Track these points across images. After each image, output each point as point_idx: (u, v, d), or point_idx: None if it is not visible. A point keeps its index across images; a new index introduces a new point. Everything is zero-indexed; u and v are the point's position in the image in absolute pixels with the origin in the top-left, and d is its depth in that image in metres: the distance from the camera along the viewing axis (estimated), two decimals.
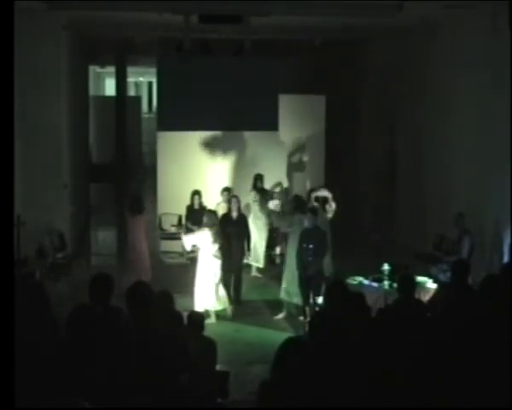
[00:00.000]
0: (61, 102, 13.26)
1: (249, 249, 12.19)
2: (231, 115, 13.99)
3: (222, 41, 14.54)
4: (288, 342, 4.51)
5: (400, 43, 15.50)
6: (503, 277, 6.65)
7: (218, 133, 15.06)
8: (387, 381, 4.65)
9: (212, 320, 10.52)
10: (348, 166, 17.77)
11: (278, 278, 11.31)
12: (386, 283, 9.81)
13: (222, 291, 10.92)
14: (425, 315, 6.92)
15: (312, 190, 13.13)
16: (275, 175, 14.74)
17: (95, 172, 19.73)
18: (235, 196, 12.03)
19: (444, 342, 5.38)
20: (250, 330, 10.61)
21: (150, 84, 32.73)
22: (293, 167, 15.97)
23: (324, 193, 12.52)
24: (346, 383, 4.66)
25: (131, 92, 31.11)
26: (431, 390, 4.71)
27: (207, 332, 7.07)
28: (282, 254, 12.41)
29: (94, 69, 23.84)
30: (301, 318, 10.47)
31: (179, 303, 8.03)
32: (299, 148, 16.10)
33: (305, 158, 16.06)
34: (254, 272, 13.41)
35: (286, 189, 14.62)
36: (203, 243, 10.66)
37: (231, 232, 11.42)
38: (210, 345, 6.85)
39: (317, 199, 12.23)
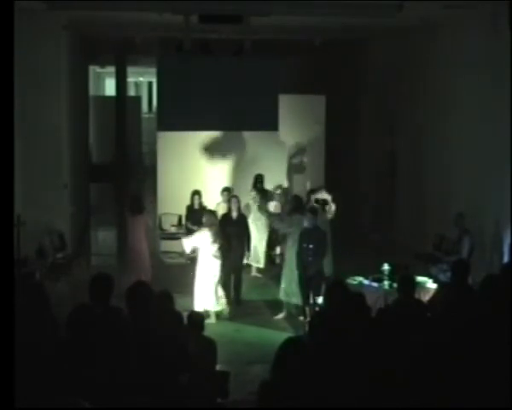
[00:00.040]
0: (61, 102, 13.26)
1: (249, 249, 12.18)
2: (231, 115, 13.98)
3: (222, 41, 14.54)
4: (288, 342, 4.52)
5: (400, 43, 15.50)
6: (503, 277, 6.66)
7: (218, 133, 15.06)
8: (387, 381, 4.65)
9: (212, 320, 10.52)
10: (348, 167, 17.78)
11: (278, 278, 11.30)
12: (386, 283, 9.80)
13: (220, 292, 10.93)
14: (425, 315, 6.92)
15: (312, 191, 13.13)
16: (275, 175, 14.74)
17: (95, 172, 19.73)
18: (235, 196, 12.03)
19: (444, 342, 5.38)
20: (250, 330, 10.61)
21: (150, 84, 32.72)
22: (294, 169, 15.97)
23: (324, 195, 12.52)
24: (346, 383, 4.66)
25: (131, 92, 31.10)
26: (431, 390, 4.71)
27: (207, 332, 7.07)
28: (282, 254, 12.40)
29: (94, 69, 23.83)
30: (301, 318, 10.47)
31: (179, 303, 8.03)
32: (300, 150, 16.11)
33: (306, 160, 16.07)
34: (254, 272, 13.42)
35: (286, 189, 14.61)
36: (202, 244, 10.66)
37: (231, 232, 11.42)
38: (210, 345, 6.85)
39: (316, 201, 12.23)
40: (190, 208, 13.14)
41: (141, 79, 33.00)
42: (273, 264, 13.54)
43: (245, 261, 12.39)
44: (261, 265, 13.40)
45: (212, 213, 11.51)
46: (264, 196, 13.48)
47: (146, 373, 5.14)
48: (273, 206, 13.45)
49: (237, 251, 11.58)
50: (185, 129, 14.30)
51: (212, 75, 13.81)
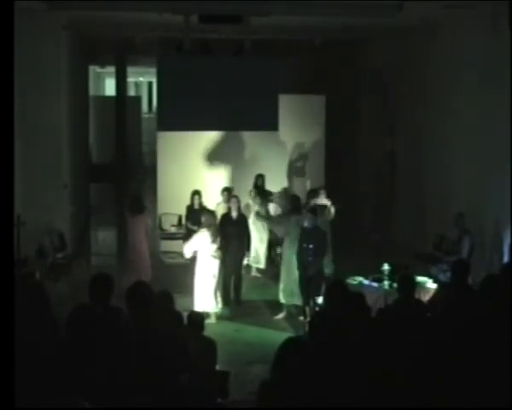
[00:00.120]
0: (61, 102, 13.26)
1: (249, 249, 12.18)
2: (231, 115, 13.98)
3: (222, 41, 14.54)
4: (288, 342, 4.51)
5: (400, 43, 15.50)
6: (503, 277, 6.66)
7: (218, 133, 15.08)
8: (387, 381, 4.65)
9: (212, 320, 10.52)
10: (348, 167, 17.78)
11: (278, 279, 11.31)
12: (386, 283, 9.81)
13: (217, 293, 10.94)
14: (425, 315, 6.92)
15: (312, 191, 13.13)
16: (275, 175, 14.75)
17: (95, 172, 19.71)
18: (235, 196, 12.03)
19: (444, 342, 5.38)
20: (250, 330, 10.61)
21: (150, 84, 32.70)
22: (295, 172, 15.97)
23: (323, 201, 12.49)
24: (346, 383, 4.66)
25: (131, 92, 31.08)
26: (431, 390, 4.71)
27: (207, 332, 7.07)
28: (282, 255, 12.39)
29: (94, 69, 23.81)
30: (301, 318, 10.47)
31: (179, 303, 8.02)
32: (302, 156, 16.11)
33: (307, 165, 16.08)
34: (254, 272, 13.43)
35: (286, 189, 14.60)
36: (202, 244, 10.66)
37: (231, 232, 11.42)
38: (210, 345, 6.85)
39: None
40: (190, 208, 13.14)
41: (141, 79, 32.97)
42: (273, 264, 13.54)
43: (245, 262, 12.40)
44: (262, 265, 13.41)
45: (211, 213, 11.52)
46: (264, 196, 13.48)
47: (146, 373, 5.14)
48: (273, 207, 13.45)
49: (237, 251, 11.58)
50: (185, 129, 14.30)
51: (212, 75, 13.80)
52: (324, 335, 5.17)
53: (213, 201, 13.28)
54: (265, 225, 13.04)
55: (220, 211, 12.51)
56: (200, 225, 11.13)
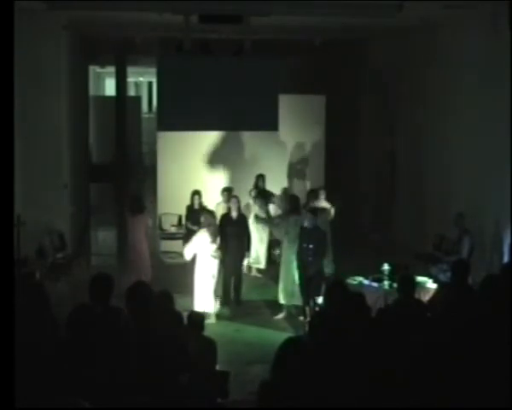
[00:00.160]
0: (61, 102, 13.26)
1: (249, 249, 12.18)
2: (231, 115, 13.98)
3: (222, 41, 14.54)
4: (288, 342, 4.51)
5: (400, 43, 15.50)
6: (503, 277, 6.66)
7: (218, 133, 15.07)
8: (387, 381, 4.65)
9: (212, 320, 10.53)
10: (348, 166, 17.78)
11: (278, 279, 11.32)
12: (386, 283, 9.81)
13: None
14: (425, 315, 6.92)
15: (312, 191, 13.12)
16: (275, 175, 14.75)
17: (95, 172, 19.72)
18: (235, 196, 12.03)
19: (444, 342, 5.38)
20: (250, 330, 10.61)
21: (150, 84, 32.71)
22: (294, 173, 15.96)
23: (323, 203, 12.47)
24: (346, 383, 4.66)
25: (131, 92, 31.09)
26: (431, 390, 4.71)
27: (207, 332, 7.07)
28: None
29: (94, 69, 23.82)
30: (301, 318, 10.48)
31: (179, 303, 8.02)
32: (303, 160, 16.11)
33: (307, 167, 16.09)
34: (254, 272, 13.43)
35: (286, 189, 14.59)
36: (201, 244, 10.66)
37: (231, 232, 11.42)
38: (210, 345, 6.85)
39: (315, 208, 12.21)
40: (190, 208, 13.14)
41: (141, 79, 32.99)
42: (273, 264, 13.53)
43: (245, 263, 12.42)
44: (262, 266, 13.41)
45: (210, 213, 11.53)
46: (265, 196, 13.48)
47: (146, 373, 5.14)
48: (273, 209, 13.44)
49: (237, 251, 11.57)
50: (185, 129, 14.30)
51: (212, 75, 13.80)
52: (324, 335, 5.17)
53: (213, 201, 13.28)
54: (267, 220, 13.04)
55: (220, 211, 12.51)
56: (200, 225, 11.14)
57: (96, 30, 15.48)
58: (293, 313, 10.98)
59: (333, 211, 12.46)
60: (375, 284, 9.95)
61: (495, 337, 5.31)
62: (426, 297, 8.36)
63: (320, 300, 9.22)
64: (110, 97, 22.71)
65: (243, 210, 12.35)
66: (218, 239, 10.90)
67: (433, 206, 13.96)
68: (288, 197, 12.83)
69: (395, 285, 8.07)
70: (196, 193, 13.16)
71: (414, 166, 15.00)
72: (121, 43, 17.88)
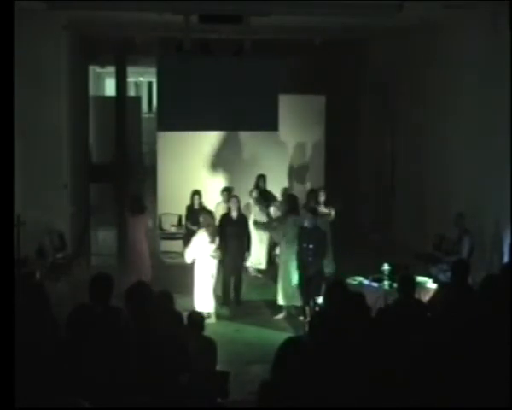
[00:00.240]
0: (61, 102, 13.26)
1: (249, 250, 12.18)
2: (231, 115, 13.98)
3: (222, 41, 14.53)
4: (288, 342, 4.52)
5: (400, 43, 15.50)
6: (503, 277, 6.66)
7: (218, 133, 15.07)
8: (387, 381, 4.65)
9: (212, 320, 10.53)
10: (348, 167, 17.77)
11: (276, 280, 11.34)
12: (386, 283, 9.81)
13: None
14: (425, 315, 6.92)
15: (312, 191, 13.11)
16: (275, 175, 14.74)
17: (95, 172, 19.71)
18: (235, 196, 12.03)
19: (444, 342, 5.38)
20: (250, 330, 10.61)
21: (150, 84, 32.67)
22: (294, 176, 15.96)
23: (323, 210, 12.43)
24: (346, 383, 4.66)
25: (131, 92, 31.05)
26: (431, 390, 4.71)
27: (207, 332, 7.07)
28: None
29: (94, 69, 23.79)
30: (301, 318, 10.48)
31: (179, 303, 8.02)
32: (303, 160, 16.11)
33: (308, 170, 16.10)
34: (254, 272, 13.42)
35: (286, 189, 14.58)
36: (201, 244, 10.67)
37: (231, 232, 11.42)
38: (210, 345, 6.85)
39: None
40: (190, 208, 13.14)
41: (141, 79, 32.94)
42: (273, 264, 13.53)
43: (248, 264, 12.41)
44: (262, 266, 13.41)
45: (209, 213, 11.55)
46: (265, 197, 13.48)
47: (146, 373, 5.14)
48: (273, 210, 13.44)
49: (237, 251, 11.58)
50: (185, 129, 14.30)
51: (212, 75, 13.80)
52: (324, 335, 5.18)
53: (213, 201, 13.28)
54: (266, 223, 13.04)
55: (220, 211, 12.51)
56: (199, 225, 11.14)
57: (96, 30, 15.47)
58: (293, 313, 10.98)
59: (333, 213, 12.45)
60: (375, 284, 9.95)
61: (495, 337, 5.31)
62: (426, 297, 8.35)
63: (320, 300, 9.22)
64: (110, 97, 22.68)
65: (243, 210, 12.35)
66: (217, 239, 10.91)
67: (433, 206, 13.96)
68: (287, 197, 12.83)
69: (395, 285, 8.07)
70: (196, 193, 13.16)
71: (414, 166, 15.00)
72: (121, 43, 17.87)
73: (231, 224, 11.56)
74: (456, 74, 12.93)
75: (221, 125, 14.51)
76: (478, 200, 11.94)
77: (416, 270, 9.78)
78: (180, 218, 14.19)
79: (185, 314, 6.96)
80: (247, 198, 13.41)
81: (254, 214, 13.16)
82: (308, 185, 15.40)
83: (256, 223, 12.79)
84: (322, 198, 12.55)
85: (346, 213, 13.74)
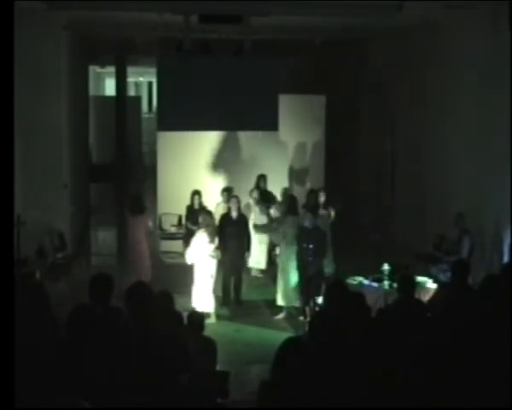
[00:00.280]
0: (61, 102, 13.26)
1: (249, 249, 12.18)
2: (231, 115, 13.96)
3: (222, 41, 14.53)
4: (288, 342, 4.52)
5: (400, 43, 15.50)
6: (503, 277, 6.66)
7: (218, 133, 15.07)
8: (387, 381, 4.65)
9: (212, 320, 10.53)
10: (348, 167, 17.77)
11: (275, 281, 11.34)
12: (386, 283, 9.81)
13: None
14: (425, 315, 6.92)
15: (312, 191, 13.11)
16: (275, 175, 14.73)
17: (95, 172, 19.71)
18: (235, 197, 12.04)
19: (444, 342, 5.38)
20: (250, 330, 10.62)
21: (150, 84, 32.66)
22: (294, 174, 15.95)
23: (323, 213, 12.42)
24: (346, 383, 4.66)
25: (131, 92, 31.05)
26: (431, 390, 4.71)
27: (207, 332, 7.07)
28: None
29: (94, 69, 23.79)
30: (301, 318, 10.48)
31: (179, 303, 8.03)
32: (303, 160, 16.10)
33: (308, 172, 16.12)
34: (254, 272, 13.42)
35: (286, 189, 14.58)
36: (200, 244, 10.67)
37: (231, 232, 11.42)
38: (210, 345, 6.85)
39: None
40: (190, 208, 13.14)
41: (141, 79, 32.94)
42: (274, 264, 13.52)
43: (250, 265, 12.41)
44: (262, 266, 13.40)
45: (208, 213, 11.56)
46: (266, 197, 13.48)
47: (146, 373, 5.14)
48: (273, 211, 13.43)
49: (237, 251, 11.58)
50: (185, 129, 14.29)
51: (212, 75, 13.79)
52: (324, 335, 5.17)
53: (213, 201, 13.28)
54: (265, 224, 13.04)
55: (220, 211, 12.51)
56: (199, 225, 11.14)
57: (96, 30, 15.48)
58: (293, 313, 10.98)
59: (333, 214, 12.45)
60: (375, 284, 9.95)
61: (495, 337, 5.31)
62: (426, 297, 8.35)
63: (320, 300, 9.22)
64: (110, 97, 22.68)
65: (243, 210, 12.35)
66: (217, 239, 10.91)
67: (433, 206, 13.96)
68: (286, 197, 12.83)
69: (395, 285, 8.07)
70: (196, 193, 13.16)
71: (414, 166, 15.00)
72: (121, 43, 17.87)
73: (231, 224, 11.56)
74: (456, 74, 12.93)
75: (221, 125, 14.50)
76: (478, 200, 11.94)
77: (416, 270, 9.78)
78: (180, 218, 14.19)
79: (185, 314, 6.97)
80: (247, 198, 13.41)
81: (255, 215, 13.16)
82: (308, 185, 15.40)
83: (256, 226, 12.81)
84: (322, 199, 12.54)
85: (346, 213, 13.74)
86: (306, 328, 8.81)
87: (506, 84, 10.69)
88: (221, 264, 11.33)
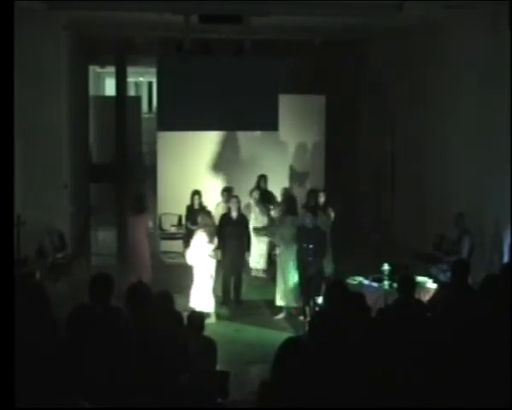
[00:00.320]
0: (61, 102, 13.26)
1: (249, 249, 12.18)
2: (231, 115, 13.97)
3: (222, 41, 14.53)
4: (288, 342, 4.52)
5: (400, 43, 15.50)
6: (503, 277, 6.66)
7: (218, 133, 15.07)
8: (387, 381, 4.65)
9: (212, 320, 10.53)
10: (348, 167, 17.77)
11: (274, 281, 11.34)
12: (386, 283, 9.81)
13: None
14: (425, 315, 6.92)
15: (312, 191, 13.11)
16: (275, 175, 14.73)
17: (95, 172, 19.70)
18: (236, 197, 12.04)
19: (444, 342, 5.38)
20: (250, 330, 10.62)
21: (150, 84, 32.64)
22: (294, 174, 15.95)
23: (322, 218, 12.41)
24: (346, 383, 4.66)
25: (131, 92, 31.03)
26: (431, 390, 4.71)
27: (207, 332, 7.07)
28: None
29: (94, 69, 23.79)
30: (301, 318, 10.48)
31: (179, 303, 8.03)
32: (303, 160, 16.10)
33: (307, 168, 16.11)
34: (254, 272, 13.42)
35: (286, 189, 14.58)
36: (199, 245, 10.67)
37: (231, 232, 11.42)
38: (210, 345, 6.85)
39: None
40: (190, 208, 13.14)
41: (141, 79, 32.92)
42: (273, 264, 13.51)
43: (252, 265, 12.40)
44: (262, 266, 13.40)
45: (207, 213, 11.57)
46: (266, 197, 13.47)
47: (146, 373, 5.14)
48: (274, 212, 13.44)
49: (237, 251, 11.58)
50: (185, 129, 14.29)
51: (212, 75, 13.79)
52: (324, 335, 5.17)
53: (213, 201, 13.28)
54: (265, 224, 13.04)
55: (220, 211, 12.51)
56: (198, 225, 11.15)
57: (96, 30, 15.47)
58: (293, 313, 10.98)
59: (333, 215, 12.44)
60: (375, 284, 9.95)
61: (495, 337, 5.31)
62: (426, 297, 8.35)
63: (320, 300, 9.22)
64: (110, 97, 22.66)
65: (243, 210, 12.35)
66: (216, 239, 10.92)
67: (433, 206, 13.96)
68: (285, 197, 12.83)
69: (395, 285, 8.07)
70: (196, 193, 13.17)
71: (414, 166, 15.00)
72: (121, 43, 17.85)
73: (231, 224, 11.56)
74: (456, 74, 12.92)
75: (221, 125, 14.51)
76: (478, 200, 11.94)
77: (416, 270, 9.78)
78: (180, 218, 14.19)
79: (185, 314, 6.97)
80: (247, 198, 13.41)
81: (255, 215, 13.16)
82: (308, 185, 15.40)
83: (255, 229, 12.82)
84: (321, 199, 12.54)
85: (346, 213, 13.73)
86: (306, 328, 8.82)
87: (506, 84, 10.69)
88: (221, 264, 11.34)
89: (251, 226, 12.63)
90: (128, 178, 19.94)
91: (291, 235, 10.85)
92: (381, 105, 16.54)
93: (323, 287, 9.32)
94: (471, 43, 12.28)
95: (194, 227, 11.95)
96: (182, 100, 13.69)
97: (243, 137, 15.23)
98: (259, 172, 14.05)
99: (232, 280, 11.71)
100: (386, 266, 9.92)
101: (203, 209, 12.40)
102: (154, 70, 15.69)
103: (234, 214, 11.69)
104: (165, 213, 14.80)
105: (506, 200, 10.58)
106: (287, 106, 14.81)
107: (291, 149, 16.01)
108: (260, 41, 14.26)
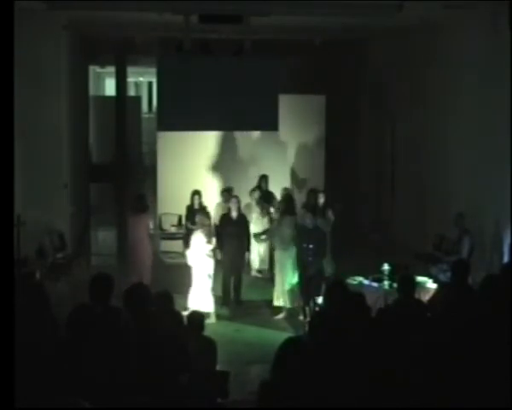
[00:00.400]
0: (61, 102, 13.26)
1: (249, 250, 12.18)
2: (231, 115, 13.97)
3: (222, 41, 14.53)
4: (288, 342, 4.51)
5: (400, 43, 15.50)
6: (503, 277, 6.66)
7: (218, 133, 15.07)
8: (387, 381, 4.65)
9: (212, 320, 10.53)
10: (348, 167, 17.77)
11: (273, 281, 11.35)
12: (386, 283, 9.81)
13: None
14: (425, 315, 6.92)
15: (312, 191, 13.12)
16: (275, 175, 14.73)
17: (95, 172, 19.70)
18: (236, 197, 12.04)
19: (444, 342, 5.38)
20: (250, 330, 10.62)
21: (150, 84, 32.65)
22: (296, 184, 15.95)
23: (322, 224, 12.41)
24: (346, 383, 4.66)
25: (131, 92, 31.04)
26: (431, 390, 4.71)
27: (207, 332, 7.07)
28: None
29: (94, 69, 23.79)
30: (301, 318, 10.48)
31: (179, 303, 8.04)
32: (303, 160, 16.10)
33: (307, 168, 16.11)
34: (254, 272, 13.42)
35: (286, 189, 14.58)
36: (198, 245, 10.67)
37: (231, 232, 11.43)
38: (210, 345, 6.85)
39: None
40: (190, 208, 13.14)
41: (141, 79, 32.93)
42: (273, 264, 13.51)
43: (254, 268, 12.41)
44: (262, 266, 13.40)
45: (205, 213, 11.58)
46: (267, 198, 13.48)
47: (146, 373, 5.14)
48: (274, 213, 13.44)
49: (237, 251, 11.58)
50: (185, 129, 14.29)
51: (212, 75, 13.79)
52: (324, 335, 5.17)
53: (213, 201, 13.29)
54: (266, 225, 13.04)
55: (220, 211, 12.51)
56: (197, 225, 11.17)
57: (96, 30, 15.47)
58: (293, 313, 10.98)
59: (332, 218, 12.43)
60: (375, 284, 9.95)
61: (495, 337, 5.31)
62: (426, 297, 8.35)
63: (320, 300, 9.22)
64: (110, 97, 22.65)
65: (243, 210, 12.35)
66: (214, 239, 10.93)
67: (433, 206, 13.96)
68: (284, 197, 12.84)
69: (395, 285, 8.07)
70: (196, 193, 13.17)
71: (414, 166, 15.00)
72: (121, 43, 17.86)
73: (231, 224, 11.57)
74: (456, 74, 12.92)
75: (221, 125, 14.51)
76: (478, 200, 11.94)
77: (416, 270, 9.78)
78: (180, 218, 14.19)
79: (185, 314, 6.97)
80: (247, 198, 13.41)
81: (255, 215, 13.15)
82: (308, 185, 15.40)
83: (256, 235, 12.84)
84: (321, 200, 12.54)
85: (346, 213, 13.73)
86: (306, 328, 8.82)
87: (506, 84, 10.69)
88: (221, 264, 11.34)
89: (251, 232, 12.64)
90: (128, 178, 19.94)
91: (289, 235, 10.86)
92: (381, 105, 16.53)
93: (323, 287, 9.32)
94: (471, 43, 12.29)
95: (194, 227, 11.95)
96: (182, 100, 13.69)
97: (243, 137, 15.23)
98: (259, 173, 14.05)
99: (232, 280, 11.71)
100: (386, 266, 9.92)
101: (202, 209, 12.41)
102: (154, 70, 15.70)
103: (234, 214, 11.69)
104: (165, 213, 14.80)
105: (506, 200, 10.58)
106: (287, 106, 14.82)
107: (291, 149, 16.01)
108: (260, 41, 14.26)
